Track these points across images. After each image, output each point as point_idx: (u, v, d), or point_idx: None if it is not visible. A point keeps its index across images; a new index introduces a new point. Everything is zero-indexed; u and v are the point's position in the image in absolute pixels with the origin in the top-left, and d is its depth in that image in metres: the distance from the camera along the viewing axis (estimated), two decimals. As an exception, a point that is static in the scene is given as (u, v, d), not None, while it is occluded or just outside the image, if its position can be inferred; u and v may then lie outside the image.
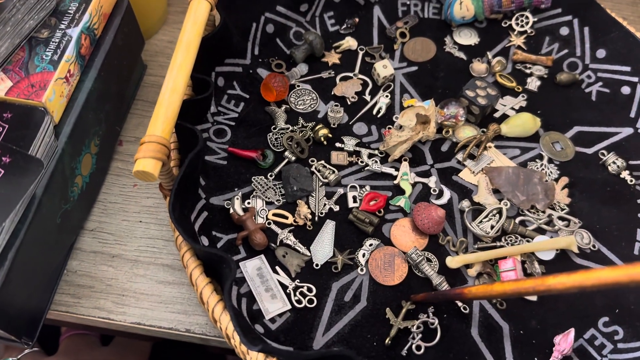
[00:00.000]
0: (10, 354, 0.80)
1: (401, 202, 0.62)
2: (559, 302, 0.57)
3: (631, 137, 0.68)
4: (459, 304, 0.55)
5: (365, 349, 0.53)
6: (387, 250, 0.59)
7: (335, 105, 0.68)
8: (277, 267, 0.57)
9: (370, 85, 0.71)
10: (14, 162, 0.48)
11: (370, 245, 0.59)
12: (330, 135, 0.66)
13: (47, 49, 0.53)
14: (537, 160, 0.66)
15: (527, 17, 0.76)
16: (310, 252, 0.58)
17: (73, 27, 0.55)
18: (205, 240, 0.57)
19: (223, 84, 0.69)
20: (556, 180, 0.64)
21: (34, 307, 0.54)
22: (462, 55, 0.74)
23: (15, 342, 0.52)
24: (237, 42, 0.70)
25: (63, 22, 0.55)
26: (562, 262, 0.59)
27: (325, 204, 0.61)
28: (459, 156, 0.66)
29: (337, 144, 0.66)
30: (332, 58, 0.73)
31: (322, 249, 0.59)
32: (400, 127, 0.66)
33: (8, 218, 0.46)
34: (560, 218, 0.61)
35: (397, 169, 0.64)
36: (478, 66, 0.72)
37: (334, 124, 0.67)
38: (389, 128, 0.67)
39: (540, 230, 0.61)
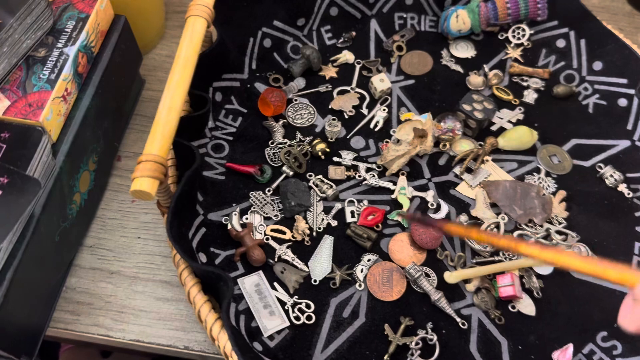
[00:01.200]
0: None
1: (399, 216, 0.62)
2: (557, 317, 0.57)
3: (628, 149, 0.68)
4: (457, 319, 0.55)
5: (364, 366, 0.53)
6: (386, 265, 0.59)
7: (333, 119, 0.68)
8: (275, 283, 0.57)
9: (368, 99, 0.71)
10: (12, 182, 0.48)
11: (369, 260, 0.59)
12: (327, 150, 0.66)
13: (45, 68, 0.54)
14: (534, 173, 0.66)
15: (523, 30, 0.76)
16: (308, 267, 0.59)
17: (70, 46, 0.55)
18: (203, 257, 0.57)
19: (221, 98, 0.69)
20: (554, 193, 0.64)
21: (33, 325, 0.54)
22: (458, 68, 0.74)
23: (14, 360, 0.52)
24: (235, 57, 0.70)
25: (60, 40, 0.55)
26: (560, 276, 0.59)
27: (323, 219, 0.62)
28: (457, 170, 0.66)
29: (335, 158, 0.66)
30: (330, 72, 0.73)
31: (320, 264, 0.59)
32: (398, 141, 0.66)
33: (6, 238, 0.46)
34: (558, 232, 0.61)
35: (395, 183, 0.64)
36: (475, 79, 0.72)
37: (331, 138, 0.68)
38: (387, 142, 0.68)
39: (538, 244, 0.61)
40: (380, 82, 0.70)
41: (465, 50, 0.76)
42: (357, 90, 0.72)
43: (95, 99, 0.58)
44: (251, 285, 0.57)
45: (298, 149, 0.65)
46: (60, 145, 0.54)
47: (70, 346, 0.84)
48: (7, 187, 0.48)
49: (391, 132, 0.69)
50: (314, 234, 0.61)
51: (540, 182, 0.65)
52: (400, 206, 0.63)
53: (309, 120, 0.69)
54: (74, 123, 0.55)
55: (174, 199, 0.51)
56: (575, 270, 0.38)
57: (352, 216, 0.62)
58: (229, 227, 0.60)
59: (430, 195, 0.64)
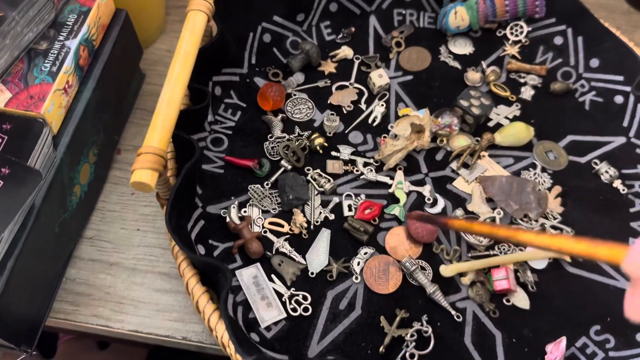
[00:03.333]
0: (8, 359, 0.81)
1: (396, 210, 0.62)
2: (551, 310, 0.57)
3: (624, 146, 0.68)
4: (452, 312, 0.56)
5: (360, 357, 0.54)
6: (382, 258, 0.59)
7: (331, 114, 0.69)
8: (272, 276, 0.58)
9: (366, 94, 0.72)
10: (13, 173, 0.48)
11: (365, 253, 0.60)
12: (326, 144, 0.67)
13: (46, 61, 0.54)
14: (530, 169, 0.67)
15: (521, 27, 0.77)
16: (305, 260, 0.59)
17: (72, 39, 0.56)
18: (201, 249, 0.58)
19: (220, 93, 0.69)
20: (549, 189, 0.65)
21: (33, 315, 0.55)
22: (456, 64, 0.75)
23: (14, 349, 0.52)
24: (234, 51, 0.70)
25: (62, 33, 0.56)
26: (555, 270, 0.60)
27: (320, 213, 0.62)
28: (453, 165, 0.66)
29: (333, 153, 0.66)
30: (329, 67, 0.74)
31: (318, 257, 0.59)
32: (395, 136, 0.66)
33: (7, 228, 0.47)
34: (553, 227, 0.62)
35: (392, 178, 0.65)
36: (472, 75, 0.73)
37: (329, 133, 0.68)
38: (384, 137, 0.68)
39: (533, 239, 0.61)
40: (379, 77, 0.71)
41: (463, 47, 0.77)
42: (356, 85, 0.73)
43: (96, 92, 0.59)
44: (249, 277, 0.57)
45: (296, 144, 0.66)
46: (61, 138, 0.54)
47: (69, 338, 0.85)
48: (9, 177, 0.48)
49: (389, 128, 0.69)
50: (312, 227, 0.61)
51: (536, 178, 0.66)
52: (397, 200, 0.64)
53: (308, 115, 0.70)
54: (74, 115, 0.56)
55: (174, 190, 0.52)
56: (568, 252, 0.39)
57: (350, 210, 0.62)
58: (228, 220, 0.60)
59: (427, 190, 0.64)
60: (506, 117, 0.70)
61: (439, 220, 0.53)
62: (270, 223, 0.61)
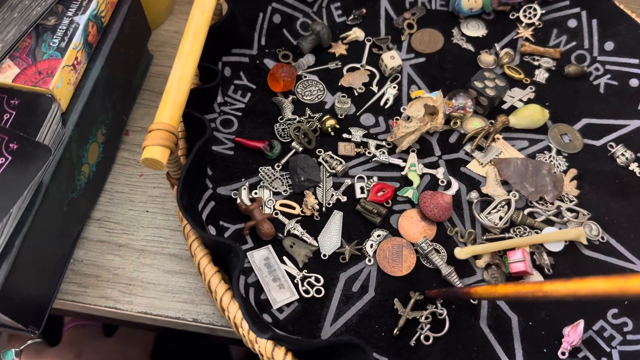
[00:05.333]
0: (14, 344, 0.80)
1: (409, 193, 0.61)
2: (567, 293, 0.56)
3: (639, 129, 0.67)
4: (468, 294, 0.55)
5: (374, 339, 0.53)
6: (395, 241, 0.58)
7: (343, 96, 0.68)
8: (284, 257, 0.57)
9: (378, 76, 0.71)
10: (22, 148, 0.47)
11: (378, 236, 0.59)
12: (337, 126, 0.66)
13: (55, 36, 0.53)
14: (545, 152, 0.65)
15: (535, 9, 0.75)
16: (317, 242, 0.58)
17: (80, 15, 0.55)
18: (212, 230, 0.57)
19: (230, 74, 0.68)
20: (565, 172, 0.64)
21: (41, 296, 0.54)
22: (469, 47, 0.74)
23: (21, 330, 0.51)
24: (244, 32, 0.69)
25: (70, 9, 0.55)
26: (571, 253, 0.59)
27: (332, 195, 0.61)
28: (467, 147, 0.65)
29: (345, 135, 0.65)
30: (339, 49, 0.73)
31: (330, 239, 0.58)
32: (408, 118, 0.65)
33: (15, 204, 0.46)
34: (569, 210, 0.61)
35: (405, 160, 0.64)
36: (486, 58, 0.72)
37: (341, 115, 0.67)
38: (397, 119, 0.67)
39: (549, 222, 0.60)
40: (391, 59, 0.70)
41: (476, 29, 0.75)
42: (367, 67, 0.71)
43: (105, 70, 0.58)
44: (260, 259, 0.56)
45: (307, 125, 0.65)
46: (69, 115, 0.53)
47: (74, 324, 0.84)
48: (17, 153, 0.47)
49: (401, 110, 0.68)
50: (324, 209, 0.60)
51: (551, 161, 0.64)
52: (410, 183, 0.62)
53: (319, 97, 0.69)
54: (83, 93, 0.55)
55: (185, 169, 0.51)
56: (601, 294, 0.36)
57: (362, 192, 0.61)
58: (239, 201, 0.59)
59: (440, 173, 0.63)
60: (520, 100, 0.69)
61: (460, 291, 0.51)
62: (281, 205, 0.60)
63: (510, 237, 0.59)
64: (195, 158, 0.52)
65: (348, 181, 0.62)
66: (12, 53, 0.51)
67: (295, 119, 0.66)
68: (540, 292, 0.40)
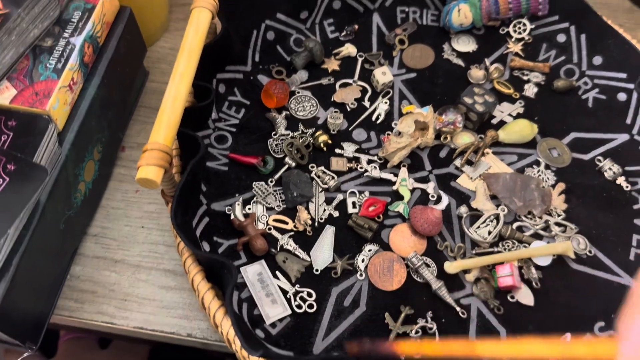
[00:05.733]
0: (10, 357, 0.81)
1: (400, 207, 0.62)
2: (555, 307, 0.57)
3: (627, 143, 0.68)
4: (457, 308, 0.56)
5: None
6: (386, 255, 0.59)
7: (335, 112, 0.69)
8: (277, 272, 0.58)
9: (370, 92, 0.72)
10: (19, 169, 0.48)
11: (370, 250, 0.60)
12: (330, 142, 0.67)
13: (51, 58, 0.54)
14: (534, 166, 0.67)
15: (524, 24, 0.77)
16: (310, 257, 0.59)
17: (76, 36, 0.56)
18: (206, 246, 0.58)
19: (224, 90, 0.69)
20: (553, 186, 0.65)
21: (38, 313, 0.55)
22: (460, 62, 0.75)
23: (19, 346, 0.52)
24: (238, 49, 0.70)
25: (66, 30, 0.56)
26: (559, 267, 0.60)
27: (325, 210, 0.62)
28: (457, 162, 0.66)
29: (337, 150, 0.67)
30: (332, 65, 0.74)
31: (322, 254, 0.59)
32: (399, 133, 0.66)
33: (13, 225, 0.47)
34: (557, 224, 0.62)
35: (396, 175, 0.65)
36: (476, 73, 0.73)
37: (333, 130, 0.68)
38: (388, 134, 0.68)
39: (537, 236, 0.61)
40: (383, 75, 0.71)
41: (466, 44, 0.77)
42: (359, 83, 0.73)
43: (101, 89, 0.59)
44: (254, 274, 0.57)
45: (300, 141, 0.66)
46: (66, 134, 0.54)
47: (69, 337, 0.85)
48: (14, 174, 0.48)
49: (393, 125, 0.69)
50: (316, 224, 0.61)
51: (540, 175, 0.66)
52: (401, 198, 0.64)
53: (312, 112, 0.70)
54: (79, 112, 0.56)
55: (179, 187, 0.52)
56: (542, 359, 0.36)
57: (354, 207, 0.62)
58: (232, 217, 0.60)
59: (430, 187, 0.64)
60: (509, 115, 0.70)
61: (383, 348, 0.49)
62: (274, 220, 0.61)
63: (499, 252, 0.60)
64: (189, 177, 0.53)
65: (340, 196, 0.63)
66: (9, 74, 0.53)
67: (288, 134, 0.67)
68: (472, 354, 0.40)
